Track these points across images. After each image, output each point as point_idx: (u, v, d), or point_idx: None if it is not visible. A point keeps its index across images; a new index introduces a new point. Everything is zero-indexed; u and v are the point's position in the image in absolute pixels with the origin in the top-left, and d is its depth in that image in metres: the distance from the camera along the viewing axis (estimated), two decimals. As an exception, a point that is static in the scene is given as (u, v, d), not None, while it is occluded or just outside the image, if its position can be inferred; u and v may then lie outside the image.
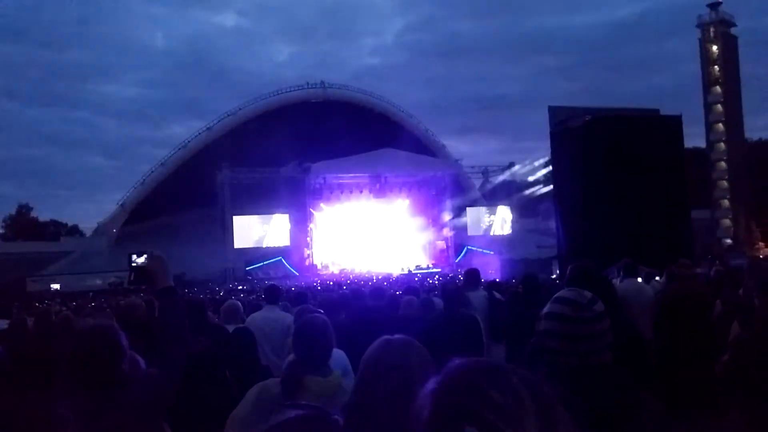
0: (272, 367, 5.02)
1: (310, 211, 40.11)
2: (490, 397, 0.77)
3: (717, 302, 5.20)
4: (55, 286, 37.49)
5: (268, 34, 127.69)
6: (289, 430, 0.90)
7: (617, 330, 3.06)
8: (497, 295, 7.11)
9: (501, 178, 45.33)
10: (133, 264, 2.75)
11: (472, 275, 7.40)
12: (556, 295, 2.12)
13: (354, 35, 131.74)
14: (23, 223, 62.61)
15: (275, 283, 7.76)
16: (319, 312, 4.12)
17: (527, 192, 43.77)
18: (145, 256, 2.74)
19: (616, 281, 7.09)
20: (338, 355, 3.82)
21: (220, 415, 2.88)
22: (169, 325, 2.57)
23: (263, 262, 39.14)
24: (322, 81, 53.57)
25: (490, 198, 47.23)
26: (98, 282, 38.28)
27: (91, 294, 29.99)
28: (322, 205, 40.69)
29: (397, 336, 1.86)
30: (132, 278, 2.77)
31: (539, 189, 41.40)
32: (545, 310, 2.09)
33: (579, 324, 2.00)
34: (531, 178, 42.88)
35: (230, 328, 5.66)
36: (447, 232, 43.08)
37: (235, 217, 39.29)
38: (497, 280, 18.60)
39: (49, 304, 20.08)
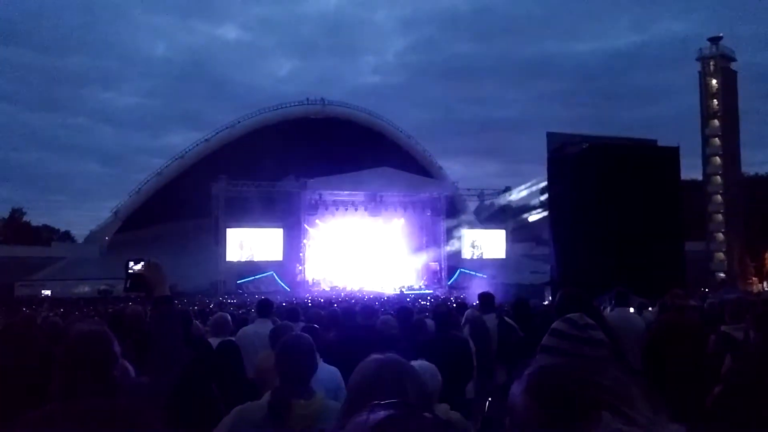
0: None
1: (304, 226, 40.05)
2: (602, 384, 0.83)
3: (711, 336, 5.20)
4: (46, 292, 37.23)
5: (270, 49, 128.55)
6: (387, 428, 0.90)
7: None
8: (507, 319, 7.14)
9: (497, 201, 45.43)
10: (130, 271, 2.70)
11: (487, 299, 7.42)
12: (564, 316, 2.17)
13: (355, 53, 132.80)
14: (15, 227, 62.25)
15: (268, 297, 7.68)
16: (307, 327, 4.09)
17: (522, 216, 43.86)
18: (142, 263, 2.71)
19: (607, 310, 7.10)
20: (332, 374, 3.76)
21: (204, 430, 2.84)
22: (164, 334, 2.54)
23: (255, 276, 38.99)
24: (322, 98, 53.78)
25: (485, 221, 47.32)
26: (87, 289, 38.06)
27: (81, 302, 29.78)
28: (316, 221, 40.64)
29: (388, 355, 1.83)
30: (128, 285, 2.72)
31: (535, 214, 41.49)
32: (551, 326, 2.14)
33: (570, 341, 2.03)
34: (527, 203, 43.02)
35: (218, 340, 5.62)
36: (441, 253, 43.05)
37: (228, 230, 39.22)
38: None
39: (36, 309, 19.95)
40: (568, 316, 2.13)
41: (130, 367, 2.53)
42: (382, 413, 0.91)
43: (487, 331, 6.55)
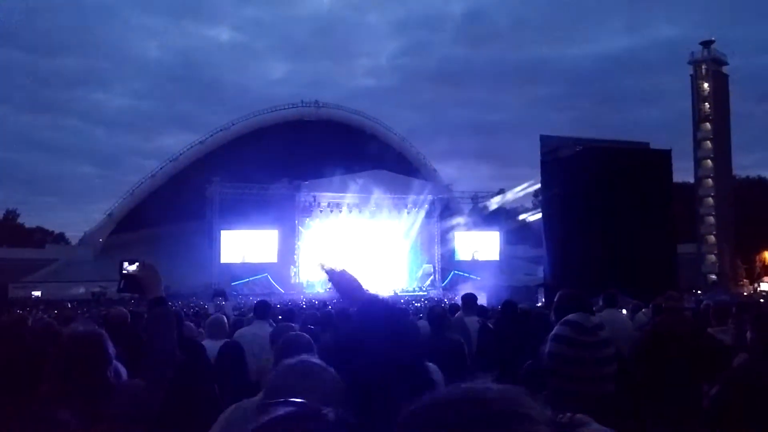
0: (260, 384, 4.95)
1: (298, 228, 40.02)
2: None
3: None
4: (36, 293, 37.08)
5: (263, 51, 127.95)
6: (278, 428, 0.89)
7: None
8: (489, 324, 7.10)
9: (490, 204, 45.51)
10: (124, 272, 2.69)
11: (469, 301, 7.38)
12: (564, 318, 2.12)
13: (348, 56, 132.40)
14: (9, 229, 61.97)
15: (266, 299, 7.65)
16: (297, 331, 4.08)
17: (516, 219, 43.95)
18: (137, 264, 2.69)
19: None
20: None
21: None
22: (157, 336, 2.53)
23: (249, 278, 38.91)
24: (316, 100, 53.83)
25: (479, 223, 47.37)
26: (81, 291, 37.88)
27: (75, 303, 29.63)
28: (310, 222, 40.60)
29: (300, 358, 1.82)
30: (122, 286, 2.70)
31: (528, 216, 41.59)
32: (553, 332, 2.10)
33: (582, 348, 1.99)
34: (521, 206, 43.14)
35: (215, 342, 5.58)
36: (435, 255, 43.10)
37: (222, 232, 39.14)
38: (484, 305, 18.55)
39: (30, 311, 19.86)
40: (571, 319, 2.09)
41: (122, 369, 2.52)
42: (276, 410, 0.90)
43: (467, 334, 6.49)
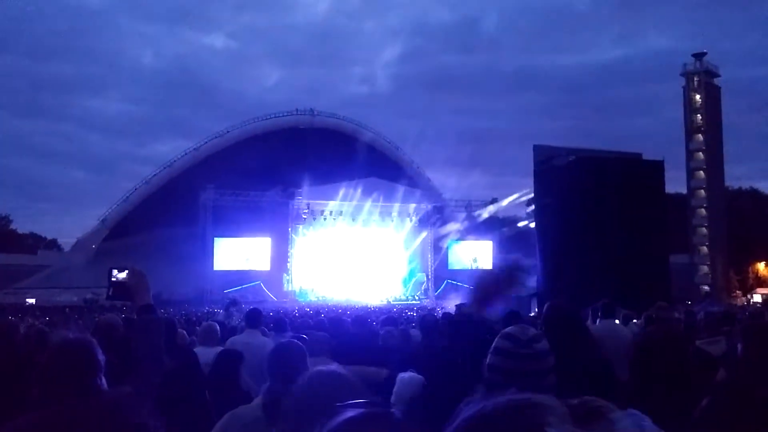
0: (251, 393, 4.94)
1: (291, 236, 39.99)
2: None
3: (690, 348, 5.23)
4: (31, 301, 36.87)
5: (257, 58, 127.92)
6: (351, 428, 0.92)
7: (589, 369, 3.09)
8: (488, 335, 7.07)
9: (484, 212, 45.55)
10: (113, 279, 2.70)
11: None
12: (502, 331, 2.14)
13: (343, 63, 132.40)
14: (1, 235, 61.67)
15: (258, 307, 7.65)
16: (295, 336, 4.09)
17: (509, 228, 44.00)
18: (126, 271, 2.70)
19: (591, 322, 7.12)
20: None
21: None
22: (145, 343, 2.54)
23: (241, 285, 38.80)
24: (311, 108, 53.94)
25: (473, 232, 47.38)
26: (74, 298, 37.74)
27: (67, 309, 29.48)
28: (304, 230, 40.56)
29: (328, 367, 1.85)
30: (111, 293, 2.72)
31: (521, 225, 41.66)
32: (493, 345, 2.11)
33: (517, 360, 2.01)
34: (514, 215, 43.20)
35: (207, 350, 5.58)
36: (428, 264, 43.09)
37: (216, 239, 39.08)
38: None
39: (21, 317, 19.75)
40: (509, 331, 2.10)
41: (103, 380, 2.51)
42: (346, 413, 0.93)
43: None
